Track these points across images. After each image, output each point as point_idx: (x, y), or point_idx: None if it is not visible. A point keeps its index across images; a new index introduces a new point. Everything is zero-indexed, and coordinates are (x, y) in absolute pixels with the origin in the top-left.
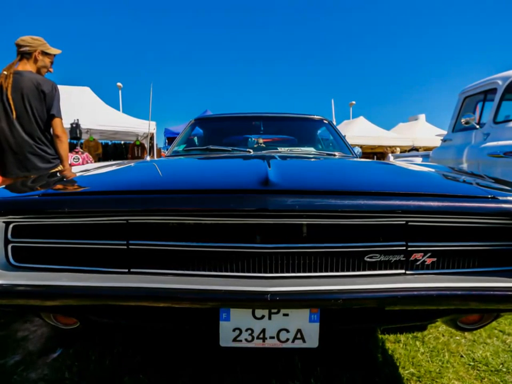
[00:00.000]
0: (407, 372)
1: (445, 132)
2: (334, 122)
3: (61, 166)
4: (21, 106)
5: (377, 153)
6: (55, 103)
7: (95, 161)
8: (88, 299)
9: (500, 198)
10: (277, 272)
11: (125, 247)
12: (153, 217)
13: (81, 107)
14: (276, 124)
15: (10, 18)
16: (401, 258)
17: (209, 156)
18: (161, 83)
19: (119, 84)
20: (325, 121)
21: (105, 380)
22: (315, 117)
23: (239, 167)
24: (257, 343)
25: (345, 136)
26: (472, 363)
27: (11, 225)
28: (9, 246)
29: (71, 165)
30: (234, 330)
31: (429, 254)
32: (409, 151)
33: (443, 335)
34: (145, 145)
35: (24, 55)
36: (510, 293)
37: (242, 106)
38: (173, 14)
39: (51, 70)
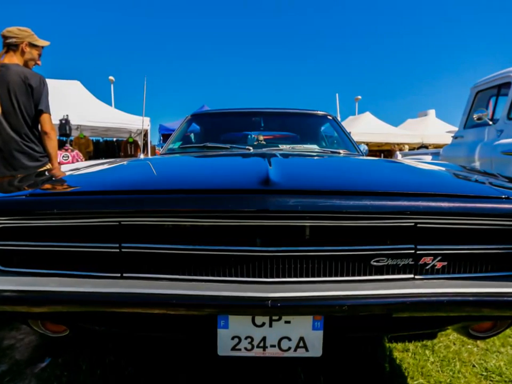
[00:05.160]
0: (416, 382)
1: (456, 129)
2: (339, 118)
3: (49, 164)
4: (7, 102)
5: (384, 151)
6: (43, 98)
7: (85, 160)
8: (78, 305)
9: None
10: (278, 277)
11: (117, 250)
12: (147, 218)
13: (71, 102)
14: (277, 120)
15: None
16: (410, 262)
17: (206, 153)
18: (155, 76)
19: (111, 77)
20: (329, 117)
21: None
22: (318, 112)
23: (238, 166)
24: (257, 352)
25: (350, 132)
26: (484, 373)
27: None
28: None
29: (60, 164)
30: (233, 338)
31: (439, 258)
32: (418, 148)
33: (454, 344)
34: (139, 143)
35: (10, 47)
36: None
37: (241, 101)
38: (168, 5)
39: (39, 62)
